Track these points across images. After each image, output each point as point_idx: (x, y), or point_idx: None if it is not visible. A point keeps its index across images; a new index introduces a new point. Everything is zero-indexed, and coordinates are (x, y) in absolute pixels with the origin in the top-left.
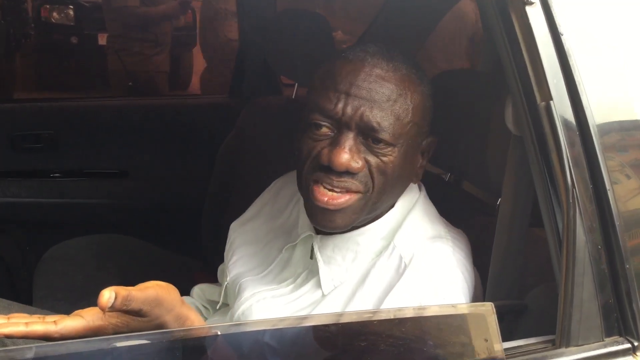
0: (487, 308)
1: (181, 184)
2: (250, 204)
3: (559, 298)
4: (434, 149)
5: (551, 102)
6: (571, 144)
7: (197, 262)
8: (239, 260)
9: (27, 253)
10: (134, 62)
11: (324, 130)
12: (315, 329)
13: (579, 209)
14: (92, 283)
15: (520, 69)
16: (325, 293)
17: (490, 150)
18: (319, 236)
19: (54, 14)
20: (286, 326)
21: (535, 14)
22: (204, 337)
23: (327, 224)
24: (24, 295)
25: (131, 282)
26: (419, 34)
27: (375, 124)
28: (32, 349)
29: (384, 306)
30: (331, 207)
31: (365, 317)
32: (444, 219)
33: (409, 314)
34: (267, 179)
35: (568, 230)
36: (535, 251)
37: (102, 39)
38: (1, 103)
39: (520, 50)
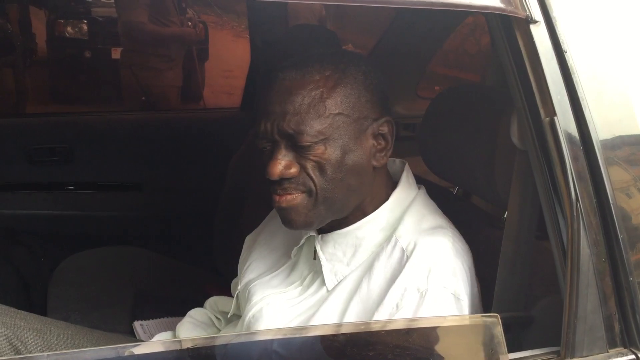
0: (493, 319)
1: (193, 196)
2: (261, 216)
3: (563, 309)
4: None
5: (555, 117)
6: (575, 159)
7: (208, 273)
8: (250, 266)
9: (42, 264)
10: (147, 77)
11: (267, 148)
12: (324, 338)
13: (583, 222)
14: (105, 294)
15: (524, 85)
16: (329, 289)
17: (497, 164)
18: (320, 235)
19: (68, 28)
20: (294, 335)
21: (539, 32)
22: (214, 347)
23: (287, 223)
24: (39, 305)
25: (144, 293)
26: (429, 48)
27: (291, 131)
28: (44, 357)
29: (387, 299)
30: (283, 205)
31: (373, 328)
32: (443, 214)
33: (416, 324)
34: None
35: (572, 243)
36: (542, 263)
37: (116, 53)
38: (18, 117)
39: (525, 67)
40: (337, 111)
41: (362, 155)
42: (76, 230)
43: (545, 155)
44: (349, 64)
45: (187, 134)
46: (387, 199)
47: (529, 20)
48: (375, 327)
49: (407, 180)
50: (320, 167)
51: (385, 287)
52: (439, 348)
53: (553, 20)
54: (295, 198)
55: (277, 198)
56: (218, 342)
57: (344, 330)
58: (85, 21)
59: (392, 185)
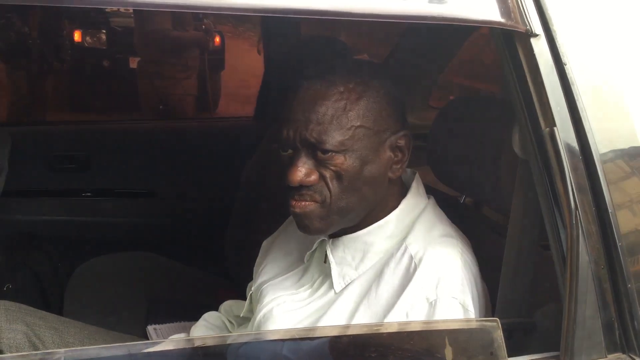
0: (493, 323)
1: (207, 203)
2: (273, 223)
3: (563, 315)
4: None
5: (555, 128)
6: (574, 168)
7: (222, 279)
8: (264, 269)
9: (59, 269)
10: (164, 86)
11: (288, 153)
12: (327, 339)
13: (582, 230)
14: (120, 299)
15: (525, 96)
16: (337, 291)
17: (502, 173)
18: (331, 239)
19: (87, 38)
20: (299, 336)
21: (539, 45)
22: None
23: (301, 228)
24: (55, 308)
25: (158, 298)
26: (441, 59)
27: (313, 140)
28: (61, 352)
29: (396, 307)
30: (297, 211)
31: (374, 330)
32: (453, 224)
33: (417, 327)
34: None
35: (572, 250)
36: (545, 271)
37: (134, 63)
38: (37, 125)
39: (526, 78)
40: (358, 123)
41: (380, 167)
42: (93, 235)
43: (546, 164)
44: (372, 76)
45: (201, 142)
46: (397, 206)
47: (529, 34)
48: (378, 329)
49: (417, 189)
50: (339, 177)
51: (393, 294)
52: (440, 351)
53: (553, 34)
54: (308, 205)
55: (293, 203)
56: (228, 341)
57: (348, 331)
58: (104, 31)
59: (404, 194)
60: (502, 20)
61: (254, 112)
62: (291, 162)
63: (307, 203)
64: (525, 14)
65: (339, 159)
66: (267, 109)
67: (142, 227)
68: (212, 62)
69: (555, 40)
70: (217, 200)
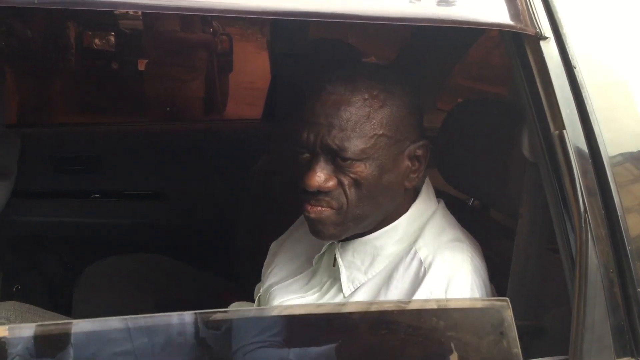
0: (504, 303)
1: (215, 205)
2: (282, 225)
3: (572, 319)
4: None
5: (564, 131)
6: (583, 171)
7: (229, 281)
8: (272, 271)
9: (68, 270)
10: (171, 88)
11: (305, 156)
12: (338, 316)
13: (591, 233)
14: (128, 299)
15: (535, 98)
16: (345, 295)
17: (511, 176)
18: (340, 243)
19: (96, 40)
20: (308, 312)
21: (549, 48)
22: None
23: (314, 233)
24: (64, 309)
25: (166, 299)
26: (448, 61)
27: (335, 146)
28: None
29: None
30: (312, 216)
31: (385, 307)
32: (463, 228)
33: (428, 305)
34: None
35: (581, 253)
36: (554, 274)
37: (142, 65)
38: (46, 127)
39: (535, 81)
40: (381, 132)
41: (397, 175)
42: (101, 237)
43: (555, 167)
44: (395, 84)
45: (209, 144)
46: (407, 210)
47: (539, 37)
48: (389, 308)
49: (427, 193)
50: (357, 184)
51: (403, 298)
52: (450, 329)
53: (563, 37)
54: (324, 211)
55: (308, 207)
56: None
57: (357, 309)
58: (113, 33)
59: (414, 198)
60: (512, 23)
61: (261, 114)
62: (309, 167)
63: (323, 209)
64: (535, 17)
65: (359, 167)
66: (275, 110)
67: (150, 229)
68: (220, 64)
69: (565, 43)
70: (225, 202)
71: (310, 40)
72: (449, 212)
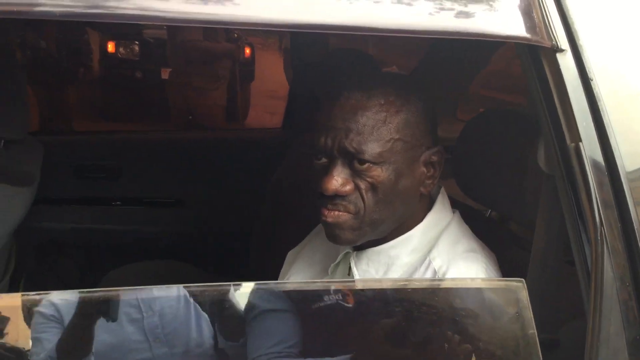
0: (519, 283)
1: (234, 213)
2: (299, 234)
3: (587, 332)
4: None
5: (580, 143)
6: (600, 184)
7: None
8: (289, 279)
9: (87, 276)
10: (194, 96)
11: (322, 161)
12: (353, 293)
13: (607, 246)
14: None
15: (551, 111)
16: None
17: (527, 188)
18: (355, 252)
19: (120, 49)
20: (324, 288)
21: (565, 60)
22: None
23: (331, 237)
24: None
25: None
26: (467, 72)
27: (352, 150)
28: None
29: None
30: (329, 220)
31: (400, 285)
32: (478, 239)
33: (443, 285)
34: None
35: (596, 267)
36: (569, 287)
37: (165, 74)
38: (69, 135)
39: (551, 93)
40: (397, 136)
41: (413, 181)
42: (121, 244)
43: (571, 179)
44: (411, 90)
45: (230, 153)
46: (422, 220)
47: (555, 49)
48: (404, 285)
49: (443, 203)
50: (374, 189)
51: None
52: (464, 309)
53: (579, 49)
54: (341, 216)
55: (325, 212)
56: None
57: (372, 286)
58: (137, 42)
59: (429, 207)
60: (528, 35)
61: (282, 122)
62: (326, 171)
63: (340, 213)
64: (551, 29)
65: (376, 171)
66: (295, 119)
67: (170, 236)
68: (242, 73)
69: (582, 56)
70: (245, 210)
71: (330, 50)
72: (464, 223)
